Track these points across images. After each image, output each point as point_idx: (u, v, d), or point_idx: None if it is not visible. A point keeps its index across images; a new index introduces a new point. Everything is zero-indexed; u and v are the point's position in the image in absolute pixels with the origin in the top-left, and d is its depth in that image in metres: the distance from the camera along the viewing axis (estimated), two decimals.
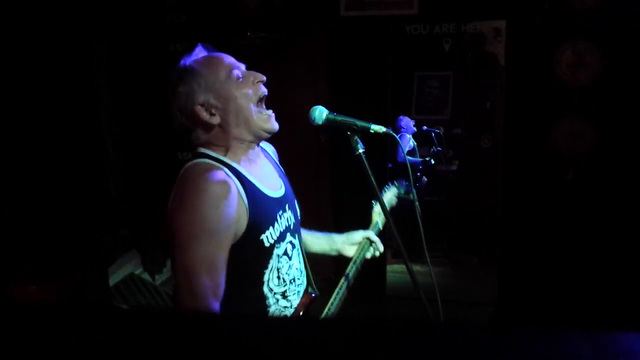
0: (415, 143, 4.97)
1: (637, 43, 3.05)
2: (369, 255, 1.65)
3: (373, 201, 1.70)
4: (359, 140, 1.36)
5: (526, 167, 3.37)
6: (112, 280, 3.22)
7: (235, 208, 1.20)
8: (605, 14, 3.09)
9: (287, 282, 1.35)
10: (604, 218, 3.19)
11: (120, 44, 3.53)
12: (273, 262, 1.31)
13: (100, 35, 3.37)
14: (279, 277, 1.32)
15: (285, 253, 1.34)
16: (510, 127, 3.49)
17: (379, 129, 1.36)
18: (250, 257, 1.26)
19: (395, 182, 1.80)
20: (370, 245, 1.65)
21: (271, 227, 1.29)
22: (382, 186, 1.76)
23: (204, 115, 1.27)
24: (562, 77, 3.21)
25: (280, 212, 1.35)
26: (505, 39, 3.64)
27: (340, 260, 1.68)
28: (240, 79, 1.30)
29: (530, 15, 3.23)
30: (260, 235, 1.26)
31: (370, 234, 1.65)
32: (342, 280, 1.54)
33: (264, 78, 1.33)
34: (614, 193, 3.18)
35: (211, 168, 1.23)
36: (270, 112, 1.33)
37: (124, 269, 3.37)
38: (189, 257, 1.16)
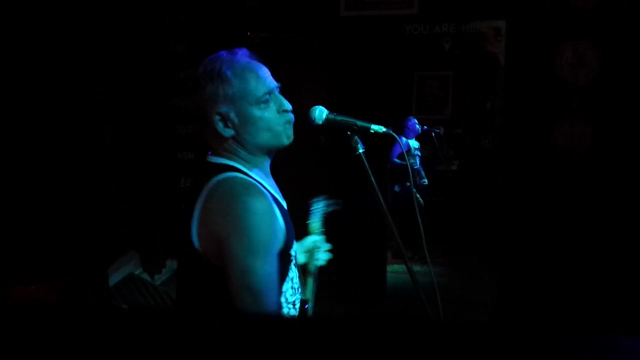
0: (415, 145, 4.98)
1: (637, 43, 3.05)
2: (320, 262, 1.65)
3: (310, 220, 1.73)
4: (359, 140, 1.36)
5: (526, 167, 3.37)
6: (112, 280, 3.22)
7: (278, 225, 1.20)
8: (605, 14, 3.09)
9: (297, 291, 1.36)
10: (604, 217, 3.19)
11: (121, 43, 3.53)
12: (290, 273, 1.31)
13: (102, 35, 3.37)
14: (292, 287, 1.33)
15: (295, 263, 1.35)
16: (510, 127, 3.48)
17: (379, 129, 1.36)
18: (281, 270, 1.25)
19: (317, 200, 1.80)
20: (316, 249, 1.66)
21: (295, 241, 1.30)
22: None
23: (219, 125, 1.23)
24: (562, 77, 3.21)
25: (291, 222, 1.35)
26: (505, 39, 3.64)
27: None
28: (269, 102, 1.26)
29: (530, 15, 3.23)
30: (289, 250, 1.26)
31: (317, 237, 1.66)
32: (310, 279, 1.56)
33: (290, 108, 1.29)
34: (614, 192, 3.18)
35: (251, 185, 1.20)
36: (290, 125, 1.29)
37: (124, 269, 3.37)
38: (255, 277, 1.14)
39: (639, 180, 3.13)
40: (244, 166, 1.26)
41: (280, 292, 1.27)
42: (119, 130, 3.61)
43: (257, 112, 1.24)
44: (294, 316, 1.34)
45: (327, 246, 1.67)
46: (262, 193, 1.19)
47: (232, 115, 1.22)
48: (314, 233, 1.70)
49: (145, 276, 3.48)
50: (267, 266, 1.16)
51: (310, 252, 1.64)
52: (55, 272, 2.72)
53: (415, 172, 4.92)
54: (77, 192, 3.06)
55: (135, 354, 0.50)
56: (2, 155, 2.75)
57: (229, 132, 1.24)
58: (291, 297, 1.33)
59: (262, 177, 1.29)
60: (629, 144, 3.14)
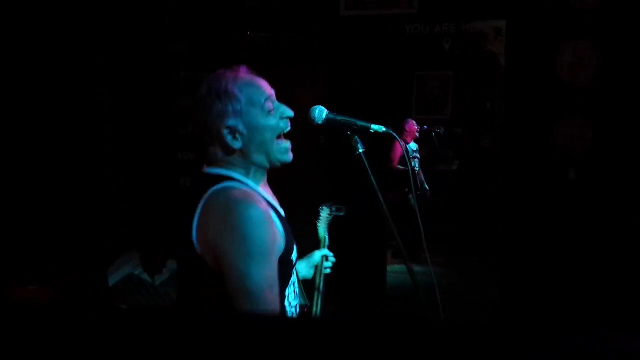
0: (413, 147, 4.98)
1: (637, 43, 3.06)
2: (327, 271, 1.73)
3: (317, 221, 1.81)
4: (359, 140, 1.37)
5: (526, 167, 3.37)
6: (112, 281, 3.22)
7: (277, 231, 1.25)
8: (605, 14, 3.09)
9: (298, 295, 1.40)
10: (604, 217, 3.19)
11: (121, 43, 3.53)
12: (292, 278, 1.35)
13: (102, 35, 3.37)
14: (294, 292, 1.36)
15: (295, 267, 1.38)
16: (510, 127, 3.48)
17: (379, 129, 1.36)
18: (282, 275, 1.28)
19: (327, 204, 1.90)
20: (326, 261, 1.73)
21: (295, 246, 1.33)
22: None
23: (228, 138, 1.27)
24: (562, 77, 3.21)
25: (290, 228, 1.38)
26: (505, 39, 3.64)
27: None
28: (272, 112, 1.30)
29: (530, 15, 3.23)
30: (291, 256, 1.31)
31: (325, 251, 1.74)
32: (316, 293, 1.61)
33: (292, 114, 1.34)
34: (614, 192, 3.18)
35: (248, 193, 1.24)
36: (288, 144, 1.34)
37: (124, 269, 3.37)
38: (254, 282, 1.17)
39: (639, 180, 3.13)
40: (242, 176, 1.30)
41: (283, 297, 1.30)
42: (119, 131, 3.61)
43: (262, 120, 1.29)
44: (293, 317, 1.34)
45: (332, 259, 1.74)
46: (259, 201, 1.22)
47: (241, 127, 1.27)
48: (321, 239, 1.76)
49: (145, 276, 3.48)
50: (266, 272, 1.18)
51: (318, 266, 1.69)
52: (55, 272, 2.72)
53: (417, 175, 4.90)
54: (77, 192, 3.06)
55: (135, 354, 0.50)
56: (2, 155, 2.75)
57: (237, 145, 1.28)
58: (294, 300, 1.36)
59: (258, 187, 1.32)
60: (629, 144, 3.14)
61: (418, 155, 5.02)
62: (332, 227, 1.84)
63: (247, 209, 1.19)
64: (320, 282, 1.65)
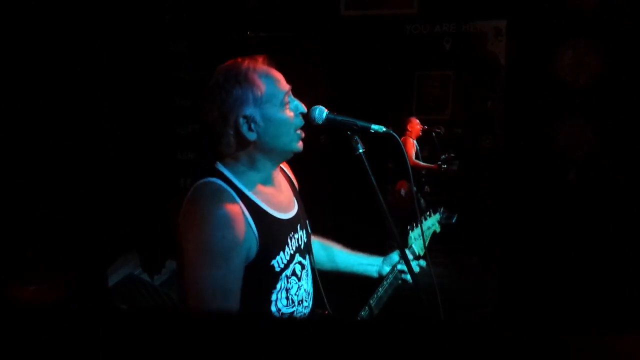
0: (419, 147, 4.98)
1: (637, 43, 3.05)
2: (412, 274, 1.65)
3: (409, 227, 1.71)
4: (359, 140, 1.36)
5: (526, 167, 3.37)
6: (112, 281, 3.22)
7: (243, 234, 1.19)
8: (605, 14, 3.09)
9: (296, 304, 1.35)
10: (604, 217, 3.19)
11: (122, 43, 3.53)
12: (281, 283, 1.30)
13: (103, 35, 3.36)
14: (287, 298, 1.32)
15: (294, 274, 1.34)
16: (510, 127, 3.49)
17: (379, 128, 1.36)
18: (259, 279, 1.25)
19: (439, 210, 1.81)
20: (401, 264, 1.63)
21: (282, 252, 1.29)
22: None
23: (244, 128, 1.24)
24: (563, 77, 3.20)
25: (292, 233, 1.34)
26: (505, 39, 3.65)
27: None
28: (288, 105, 1.29)
29: (530, 15, 3.23)
30: (270, 261, 1.26)
31: (406, 253, 1.62)
32: (364, 310, 1.54)
33: (305, 110, 1.33)
34: (614, 192, 3.18)
35: (220, 192, 1.21)
36: (301, 133, 1.33)
37: (124, 269, 3.37)
38: (201, 283, 1.16)
39: (639, 180, 3.12)
40: (234, 173, 1.26)
41: (268, 302, 1.27)
42: (119, 131, 3.60)
43: (280, 114, 1.27)
44: (294, 318, 1.34)
45: (419, 263, 1.62)
46: (231, 203, 1.19)
47: (258, 118, 1.24)
48: (410, 241, 1.65)
49: (145, 276, 3.48)
50: (217, 275, 1.15)
51: (394, 267, 1.63)
52: (55, 272, 2.71)
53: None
54: (77, 192, 3.06)
55: (135, 354, 0.50)
56: (2, 155, 2.75)
57: (252, 136, 1.25)
58: (286, 308, 1.32)
59: (254, 186, 1.28)
60: (629, 144, 3.13)
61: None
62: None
63: (212, 209, 1.17)
64: (374, 298, 1.55)
